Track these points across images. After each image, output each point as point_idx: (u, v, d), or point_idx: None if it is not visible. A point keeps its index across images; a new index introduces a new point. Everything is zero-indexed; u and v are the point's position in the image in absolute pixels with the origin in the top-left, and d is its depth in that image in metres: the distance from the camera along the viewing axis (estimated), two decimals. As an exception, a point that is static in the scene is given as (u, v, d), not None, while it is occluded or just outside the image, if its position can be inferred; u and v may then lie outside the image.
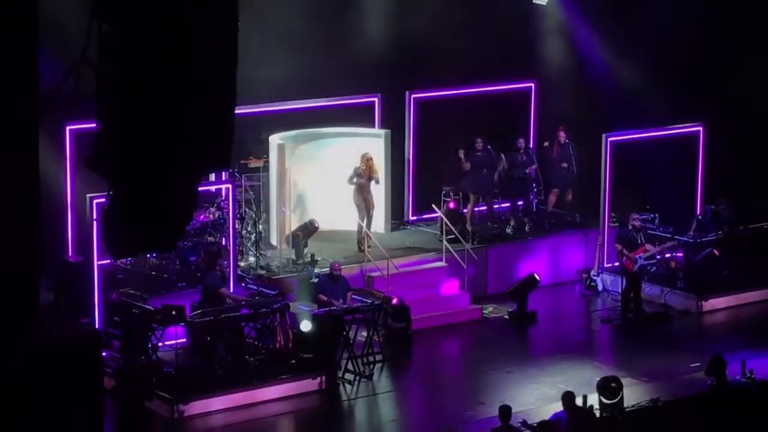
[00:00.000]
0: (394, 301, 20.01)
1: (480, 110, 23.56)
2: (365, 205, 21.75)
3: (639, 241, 21.58)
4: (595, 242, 22.89)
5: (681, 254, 22.40)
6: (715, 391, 17.55)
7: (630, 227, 21.66)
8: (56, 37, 19.35)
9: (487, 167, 22.70)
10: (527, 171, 23.09)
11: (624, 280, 21.43)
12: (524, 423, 15.67)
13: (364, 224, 21.56)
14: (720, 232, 22.33)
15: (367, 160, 21.68)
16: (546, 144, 23.61)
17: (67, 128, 19.64)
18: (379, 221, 22.40)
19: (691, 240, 22.24)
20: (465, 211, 22.78)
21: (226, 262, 19.01)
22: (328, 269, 19.77)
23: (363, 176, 21.67)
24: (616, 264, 22.02)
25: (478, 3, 23.88)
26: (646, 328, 20.98)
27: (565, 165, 23.18)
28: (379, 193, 22.31)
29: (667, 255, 22.30)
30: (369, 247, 21.11)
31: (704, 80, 24.39)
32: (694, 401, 17.48)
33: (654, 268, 22.12)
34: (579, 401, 16.24)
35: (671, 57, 24.47)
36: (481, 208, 23.20)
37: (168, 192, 9.61)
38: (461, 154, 22.61)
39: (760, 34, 24.55)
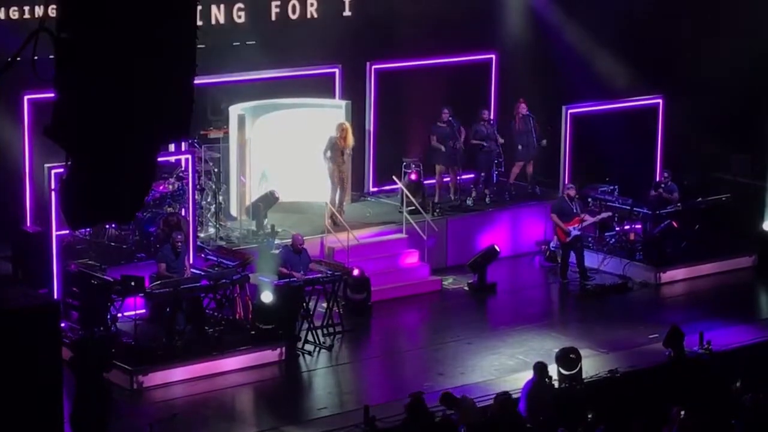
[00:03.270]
0: (355, 272, 20.00)
1: (441, 82, 23.54)
2: (339, 177, 21.43)
3: (574, 210, 21.69)
4: (555, 214, 22.96)
5: (639, 226, 22.51)
6: (673, 362, 17.68)
7: (564, 196, 21.79)
8: (14, 3, 19.25)
9: (451, 139, 22.67)
10: (492, 142, 23.04)
11: (561, 251, 21.64)
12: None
13: (329, 201, 21.29)
14: (678, 204, 22.46)
15: (343, 130, 21.35)
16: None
17: (25, 97, 19.46)
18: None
19: (650, 212, 22.34)
20: (432, 182, 22.78)
21: (180, 236, 18.51)
22: (288, 240, 19.70)
23: (338, 147, 21.33)
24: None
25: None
26: (604, 300, 21.08)
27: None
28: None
29: (627, 227, 22.40)
30: (335, 223, 20.94)
31: (665, 53, 24.40)
32: (652, 372, 17.60)
33: (591, 239, 22.21)
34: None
35: (633, 30, 24.47)
36: (445, 179, 23.17)
37: (127, 162, 9.55)
38: (434, 140, 22.57)
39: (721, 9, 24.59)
